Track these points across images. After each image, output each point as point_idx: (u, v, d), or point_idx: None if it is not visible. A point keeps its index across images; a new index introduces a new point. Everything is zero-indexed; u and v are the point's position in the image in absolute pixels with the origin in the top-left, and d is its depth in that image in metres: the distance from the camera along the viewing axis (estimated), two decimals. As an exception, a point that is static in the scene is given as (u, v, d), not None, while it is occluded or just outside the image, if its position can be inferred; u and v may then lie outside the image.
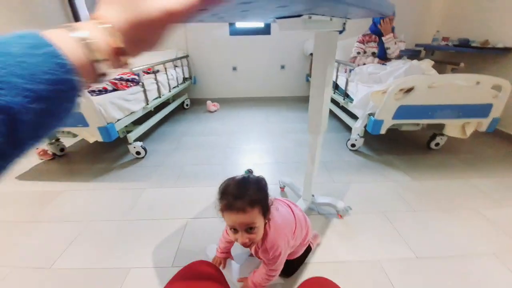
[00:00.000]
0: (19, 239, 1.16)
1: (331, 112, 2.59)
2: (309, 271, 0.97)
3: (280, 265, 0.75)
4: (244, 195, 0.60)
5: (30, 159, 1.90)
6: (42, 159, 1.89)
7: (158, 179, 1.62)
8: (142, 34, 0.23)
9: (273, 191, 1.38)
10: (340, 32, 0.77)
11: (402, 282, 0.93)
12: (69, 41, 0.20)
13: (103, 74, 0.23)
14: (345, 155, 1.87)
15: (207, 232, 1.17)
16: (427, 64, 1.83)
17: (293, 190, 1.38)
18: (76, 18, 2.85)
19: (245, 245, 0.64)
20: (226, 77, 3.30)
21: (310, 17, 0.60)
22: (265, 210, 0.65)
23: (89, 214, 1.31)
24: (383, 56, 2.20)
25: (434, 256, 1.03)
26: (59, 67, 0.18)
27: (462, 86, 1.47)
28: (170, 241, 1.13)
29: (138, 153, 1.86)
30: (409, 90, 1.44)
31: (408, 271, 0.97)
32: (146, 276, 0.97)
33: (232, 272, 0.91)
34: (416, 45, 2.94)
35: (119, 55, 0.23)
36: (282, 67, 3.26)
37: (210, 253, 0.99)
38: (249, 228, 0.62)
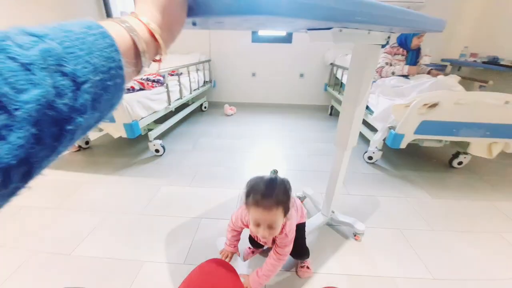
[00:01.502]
0: (43, 225, 1.23)
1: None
2: (322, 282, 0.96)
3: (288, 252, 0.81)
4: (272, 195, 0.66)
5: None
6: (68, 151, 2.00)
7: (174, 177, 1.66)
8: (172, 31, 0.28)
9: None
10: (383, 46, 0.78)
11: (418, 303, 0.89)
12: (119, 29, 0.23)
13: (142, 65, 0.26)
14: (361, 168, 1.84)
15: (220, 232, 1.18)
16: (453, 79, 1.78)
17: (313, 203, 1.36)
18: (109, 17, 3.03)
19: (263, 239, 0.71)
20: (245, 82, 3.36)
21: (341, 30, 0.59)
22: (287, 211, 0.71)
23: (109, 206, 1.37)
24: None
25: (451, 278, 0.99)
26: (110, 46, 0.20)
27: (491, 105, 1.41)
28: (184, 238, 1.15)
29: (157, 150, 1.93)
30: (434, 105, 1.41)
31: (425, 293, 0.93)
32: (158, 270, 0.99)
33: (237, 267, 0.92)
34: (442, 60, 2.86)
35: (157, 49, 0.26)
36: (301, 75, 3.28)
37: (220, 246, 1.03)
38: (271, 226, 0.69)
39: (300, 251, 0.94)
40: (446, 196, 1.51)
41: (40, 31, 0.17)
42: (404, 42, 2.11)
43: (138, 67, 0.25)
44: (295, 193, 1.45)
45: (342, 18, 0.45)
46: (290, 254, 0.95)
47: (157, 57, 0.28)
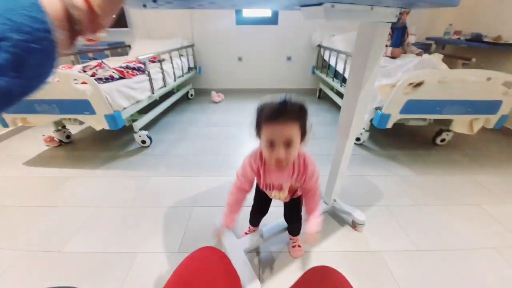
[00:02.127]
0: (29, 223, 1.19)
1: (335, 104, 2.57)
2: (312, 259, 1.00)
3: (318, 184, 0.79)
4: (288, 109, 0.60)
5: (36, 146, 1.92)
6: (48, 146, 1.92)
7: (163, 168, 1.63)
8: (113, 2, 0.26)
9: None
10: (393, 24, 0.72)
11: (403, 273, 0.94)
12: None
13: (77, 34, 0.24)
14: (349, 149, 1.87)
15: (212, 220, 1.19)
16: (437, 58, 1.80)
17: None
18: None
19: (278, 161, 0.63)
20: (231, 67, 3.27)
21: (333, 6, 0.54)
22: (304, 132, 0.65)
23: (97, 200, 1.34)
24: (397, 46, 2.15)
25: (434, 249, 1.05)
26: (34, 5, 0.19)
27: (473, 82, 1.44)
28: (176, 228, 1.15)
29: (143, 142, 1.88)
30: (419, 84, 1.42)
31: (409, 263, 0.99)
32: (153, 260, 1.00)
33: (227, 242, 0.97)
34: (427, 38, 2.87)
35: (94, 18, 0.24)
36: (289, 58, 3.21)
37: (218, 222, 1.03)
38: (287, 143, 0.62)
39: (298, 222, 0.95)
40: (429, 172, 1.58)
41: None
42: None
43: (72, 36, 0.23)
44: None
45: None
46: (290, 227, 1.00)
47: (97, 26, 0.25)
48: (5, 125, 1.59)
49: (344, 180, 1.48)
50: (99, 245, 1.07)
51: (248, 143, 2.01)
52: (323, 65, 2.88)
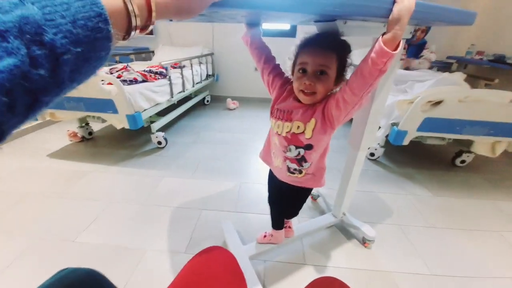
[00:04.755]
0: (47, 212, 1.25)
1: (351, 119, 2.55)
2: (317, 274, 0.97)
3: None
4: (328, 37, 0.57)
5: (61, 140, 2.04)
6: (71, 141, 2.02)
7: (176, 170, 1.68)
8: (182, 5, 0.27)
9: None
10: (408, 40, 0.74)
11: (415, 297, 0.90)
12: None
13: (134, 29, 0.24)
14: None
15: (220, 224, 1.19)
16: (459, 77, 1.76)
17: (325, 202, 1.34)
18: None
19: (305, 94, 0.58)
20: (248, 77, 3.35)
21: (345, 23, 0.57)
22: (341, 69, 0.58)
23: (111, 195, 1.38)
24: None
25: (449, 274, 0.99)
26: (98, 16, 0.19)
27: (495, 103, 1.40)
28: (185, 228, 1.17)
29: (159, 143, 1.94)
30: (438, 102, 1.40)
31: (421, 287, 0.94)
32: (160, 258, 1.01)
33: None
34: (448, 57, 2.82)
35: (150, 13, 0.24)
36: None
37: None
38: (320, 72, 0.56)
39: (294, 211, 0.94)
40: (447, 194, 1.51)
41: None
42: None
43: (128, 30, 0.24)
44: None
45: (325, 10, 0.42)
46: (285, 214, 0.97)
47: (152, 21, 0.26)
48: (35, 118, 1.69)
49: (356, 195, 1.46)
50: (110, 239, 1.10)
51: (260, 150, 2.02)
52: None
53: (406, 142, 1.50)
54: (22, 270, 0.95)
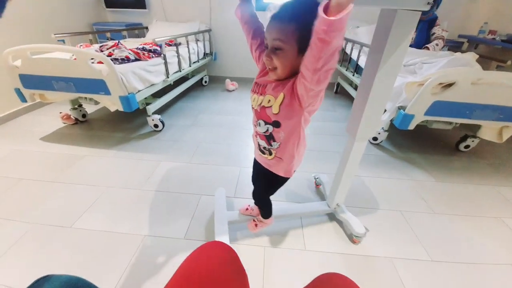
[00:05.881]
0: (42, 198, 1.22)
1: (353, 99, 2.47)
2: (319, 260, 0.97)
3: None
4: (287, 8, 0.53)
5: (54, 122, 1.96)
6: (65, 123, 1.95)
7: (174, 154, 1.63)
8: None
9: (302, 182, 1.36)
10: (425, 13, 0.64)
11: (414, 283, 0.90)
12: None
13: None
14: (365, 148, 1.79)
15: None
16: (471, 57, 1.66)
17: (324, 192, 1.29)
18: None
19: (266, 67, 0.60)
20: (248, 55, 3.17)
21: None
22: (304, 40, 0.48)
23: (108, 180, 1.35)
24: (420, 45, 2.02)
25: (450, 261, 0.99)
26: None
27: (507, 86, 1.32)
28: (184, 214, 1.15)
29: (156, 125, 1.88)
30: (449, 84, 1.32)
31: (421, 273, 0.94)
32: (159, 244, 1.00)
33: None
34: (459, 36, 2.67)
35: None
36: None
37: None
38: (275, 49, 0.54)
39: (262, 195, 0.93)
40: (449, 179, 1.49)
41: None
42: None
43: None
44: (310, 173, 1.43)
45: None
46: (255, 195, 0.96)
47: None
48: (24, 100, 1.61)
49: (356, 180, 1.44)
50: (108, 225, 1.08)
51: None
52: (344, 59, 2.75)
53: (412, 126, 1.45)
54: (18, 258, 0.93)
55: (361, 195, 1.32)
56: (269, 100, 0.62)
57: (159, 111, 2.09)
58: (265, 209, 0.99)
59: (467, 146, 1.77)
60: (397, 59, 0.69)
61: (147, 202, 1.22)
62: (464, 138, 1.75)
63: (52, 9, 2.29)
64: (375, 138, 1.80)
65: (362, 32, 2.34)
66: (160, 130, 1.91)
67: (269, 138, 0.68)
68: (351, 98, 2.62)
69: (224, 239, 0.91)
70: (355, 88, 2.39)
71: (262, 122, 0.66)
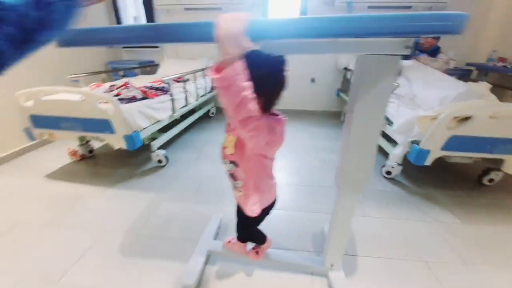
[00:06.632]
0: (34, 244, 1.15)
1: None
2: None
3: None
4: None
5: (61, 158, 1.98)
6: (72, 159, 1.96)
7: (176, 191, 1.57)
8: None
9: (302, 223, 1.26)
10: (406, 57, 0.62)
11: None
12: None
13: None
14: (378, 183, 1.68)
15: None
16: (484, 87, 1.60)
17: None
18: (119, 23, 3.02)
19: None
20: (254, 87, 3.26)
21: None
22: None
23: (105, 224, 1.28)
24: None
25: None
26: None
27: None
28: (181, 263, 1.04)
29: (160, 161, 1.85)
30: (466, 118, 1.24)
31: None
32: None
33: None
34: (467, 64, 2.64)
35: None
36: (312, 80, 3.13)
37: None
38: None
39: (238, 229, 0.94)
40: (477, 220, 1.33)
41: None
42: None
43: None
44: (316, 214, 1.32)
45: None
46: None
47: None
48: (33, 138, 1.64)
49: (370, 221, 1.30)
50: (98, 280, 0.99)
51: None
52: (349, 88, 2.75)
53: (429, 162, 1.34)
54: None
55: (377, 241, 1.18)
56: (231, 140, 0.65)
57: (165, 145, 2.08)
58: (254, 240, 0.99)
59: (491, 180, 1.62)
60: (378, 105, 0.63)
61: (143, 250, 1.13)
62: (486, 172, 1.61)
63: (71, 50, 2.45)
64: (388, 172, 1.69)
65: (343, 57, 2.35)
66: (164, 165, 1.88)
67: (233, 176, 0.72)
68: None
69: (193, 272, 0.94)
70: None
71: (226, 161, 0.70)
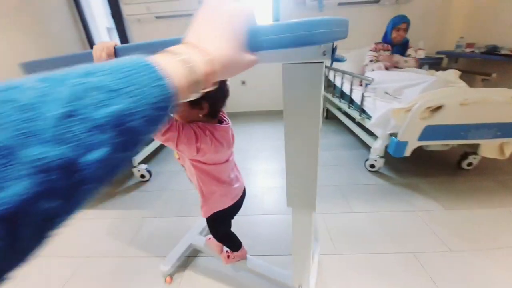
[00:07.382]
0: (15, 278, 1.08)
1: (343, 124, 2.43)
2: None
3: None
4: None
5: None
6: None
7: (161, 206, 1.52)
8: (229, 71, 0.28)
9: (288, 226, 1.22)
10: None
11: None
12: (173, 64, 0.22)
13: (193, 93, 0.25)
14: (362, 178, 1.70)
15: (212, 272, 1.04)
16: (454, 75, 1.65)
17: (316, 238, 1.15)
18: (88, 35, 2.91)
19: None
20: (235, 91, 3.22)
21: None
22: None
23: (87, 249, 1.23)
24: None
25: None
26: (163, 90, 0.19)
27: (500, 102, 1.28)
28: (171, 284, 1.01)
29: (142, 176, 1.79)
30: (437, 108, 1.27)
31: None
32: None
33: None
34: (437, 53, 2.73)
35: (210, 79, 0.25)
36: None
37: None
38: None
39: (220, 238, 0.96)
40: (459, 205, 1.37)
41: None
42: (385, 36, 2.06)
43: (188, 96, 0.25)
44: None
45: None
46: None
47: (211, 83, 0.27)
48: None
49: (356, 217, 1.31)
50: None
51: (254, 173, 1.88)
52: (328, 85, 2.78)
53: (408, 153, 1.37)
54: None
55: (364, 236, 1.19)
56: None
57: (147, 159, 2.02)
58: (225, 244, 0.99)
59: (469, 164, 1.68)
60: (311, 116, 0.57)
61: (129, 272, 1.08)
62: (464, 156, 1.66)
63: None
64: (372, 166, 1.72)
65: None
66: (148, 180, 1.82)
67: (189, 179, 0.76)
68: (340, 123, 2.58)
69: (170, 260, 1.04)
70: (344, 113, 2.37)
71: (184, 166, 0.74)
